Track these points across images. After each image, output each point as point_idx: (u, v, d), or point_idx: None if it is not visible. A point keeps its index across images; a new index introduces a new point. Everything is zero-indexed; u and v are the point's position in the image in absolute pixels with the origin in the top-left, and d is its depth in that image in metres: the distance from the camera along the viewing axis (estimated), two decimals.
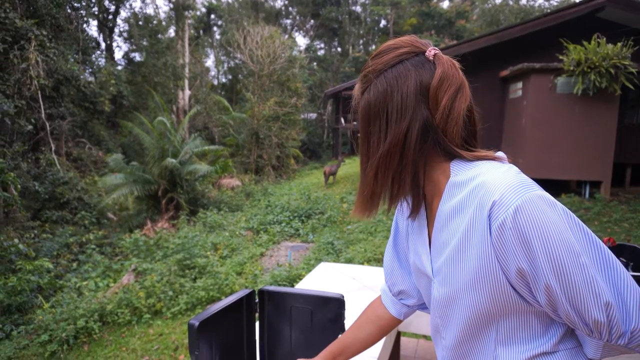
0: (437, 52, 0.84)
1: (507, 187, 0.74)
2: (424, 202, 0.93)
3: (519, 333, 0.82)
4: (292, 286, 5.93)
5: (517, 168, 0.80)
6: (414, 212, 0.92)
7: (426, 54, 0.84)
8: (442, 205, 0.86)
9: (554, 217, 0.72)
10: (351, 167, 15.93)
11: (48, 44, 11.31)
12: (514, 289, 0.78)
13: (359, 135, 0.91)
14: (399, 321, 1.17)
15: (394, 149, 0.83)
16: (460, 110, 0.82)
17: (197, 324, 1.12)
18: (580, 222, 0.74)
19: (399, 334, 2.36)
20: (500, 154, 0.87)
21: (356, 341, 1.15)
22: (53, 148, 12.87)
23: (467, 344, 0.87)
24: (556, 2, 27.88)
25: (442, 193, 0.86)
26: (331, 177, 13.24)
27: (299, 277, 6.13)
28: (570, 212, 0.75)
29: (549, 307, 0.77)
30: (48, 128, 12.50)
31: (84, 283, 6.74)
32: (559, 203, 0.75)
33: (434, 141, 0.83)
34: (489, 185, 0.76)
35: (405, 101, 0.82)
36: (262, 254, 8.03)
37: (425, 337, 3.09)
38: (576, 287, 0.71)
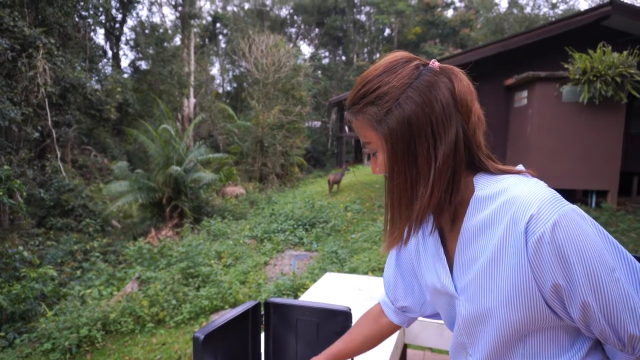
0: (439, 63, 0.83)
1: (543, 201, 0.72)
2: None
3: (547, 347, 0.81)
4: (296, 295, 5.89)
5: (544, 182, 0.79)
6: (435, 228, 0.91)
7: (430, 65, 0.82)
8: (467, 221, 0.83)
9: (589, 232, 0.71)
10: (355, 175, 15.90)
11: (56, 52, 11.41)
12: (547, 304, 0.76)
13: (392, 163, 0.81)
14: (399, 327, 1.17)
15: (447, 160, 0.78)
16: (483, 117, 0.82)
17: (202, 337, 1.10)
18: (610, 236, 0.74)
19: (405, 346, 2.33)
20: (521, 167, 0.86)
21: (353, 344, 1.15)
22: (59, 155, 12.94)
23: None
24: (561, 10, 27.92)
25: (464, 208, 0.84)
26: (335, 186, 13.20)
27: (303, 287, 6.09)
28: (599, 226, 0.74)
29: (581, 323, 0.75)
30: (54, 135, 12.58)
31: (88, 291, 6.72)
32: (588, 216, 0.74)
33: (466, 150, 0.81)
34: (522, 199, 0.74)
35: (448, 108, 0.78)
36: (266, 263, 7.99)
37: (431, 349, 3.05)
38: (612, 303, 0.71)
